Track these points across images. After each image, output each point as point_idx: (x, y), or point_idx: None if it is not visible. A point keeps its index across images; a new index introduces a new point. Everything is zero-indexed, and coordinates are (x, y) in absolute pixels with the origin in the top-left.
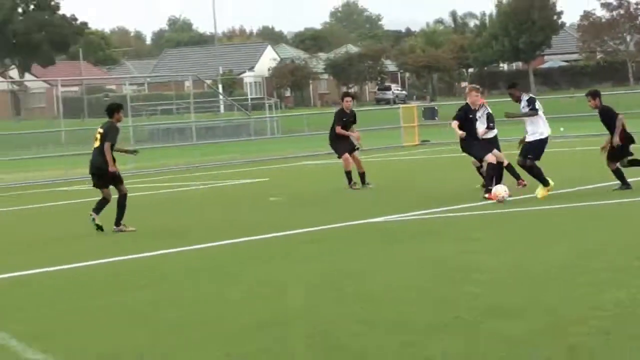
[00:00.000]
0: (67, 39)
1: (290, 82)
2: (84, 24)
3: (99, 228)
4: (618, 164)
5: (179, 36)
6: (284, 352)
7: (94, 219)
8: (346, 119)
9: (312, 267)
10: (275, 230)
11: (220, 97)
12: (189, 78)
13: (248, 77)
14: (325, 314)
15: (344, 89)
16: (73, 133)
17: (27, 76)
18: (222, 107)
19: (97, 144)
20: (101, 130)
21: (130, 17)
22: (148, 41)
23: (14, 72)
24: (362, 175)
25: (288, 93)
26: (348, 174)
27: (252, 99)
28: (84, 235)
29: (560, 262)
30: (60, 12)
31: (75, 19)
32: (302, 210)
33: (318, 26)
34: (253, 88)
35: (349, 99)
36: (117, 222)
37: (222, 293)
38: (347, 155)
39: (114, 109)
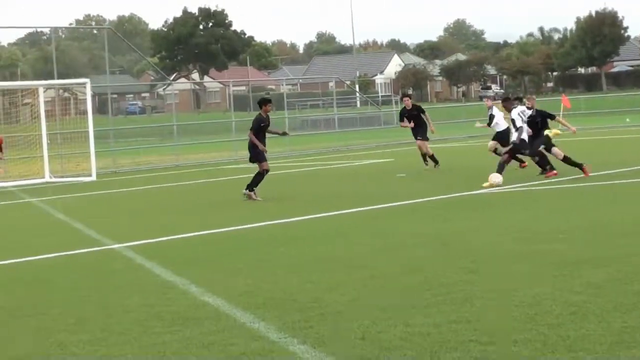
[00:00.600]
0: (238, 49)
1: (412, 83)
2: (251, 37)
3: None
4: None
5: (325, 46)
6: (403, 294)
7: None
8: (407, 114)
9: (430, 226)
10: (401, 199)
11: (357, 94)
12: (332, 79)
13: (379, 79)
14: (436, 264)
15: (455, 89)
16: (241, 123)
17: (206, 78)
18: (358, 102)
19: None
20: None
21: (287, 32)
22: (301, 50)
23: (195, 75)
24: (424, 157)
25: (410, 91)
26: (431, 157)
27: (382, 96)
28: (246, 202)
29: (617, 223)
30: (233, 28)
31: (244, 34)
32: (422, 184)
33: (434, 38)
34: (383, 87)
35: (406, 98)
36: (250, 187)
37: (354, 248)
38: (419, 142)
39: (262, 103)
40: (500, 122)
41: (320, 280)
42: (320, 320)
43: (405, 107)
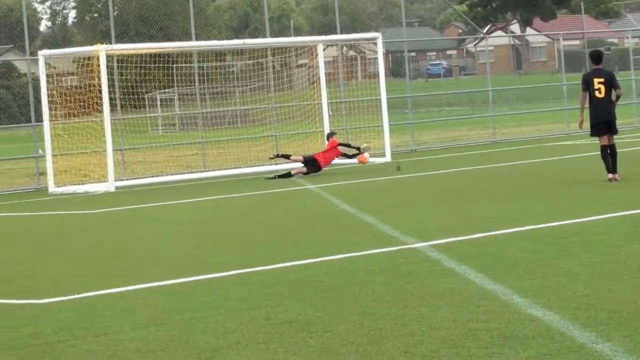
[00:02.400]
0: None
1: None
2: None
3: None
4: None
5: None
6: None
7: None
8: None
9: None
10: None
11: None
12: None
13: None
14: None
15: None
16: (574, 87)
17: (528, 30)
18: None
19: (602, 94)
20: (602, 79)
21: None
22: None
23: (515, 27)
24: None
25: None
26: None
27: None
28: (584, 189)
29: None
30: None
31: None
32: None
33: None
34: None
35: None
36: (614, 169)
37: None
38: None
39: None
40: None
41: None
42: None
43: None
